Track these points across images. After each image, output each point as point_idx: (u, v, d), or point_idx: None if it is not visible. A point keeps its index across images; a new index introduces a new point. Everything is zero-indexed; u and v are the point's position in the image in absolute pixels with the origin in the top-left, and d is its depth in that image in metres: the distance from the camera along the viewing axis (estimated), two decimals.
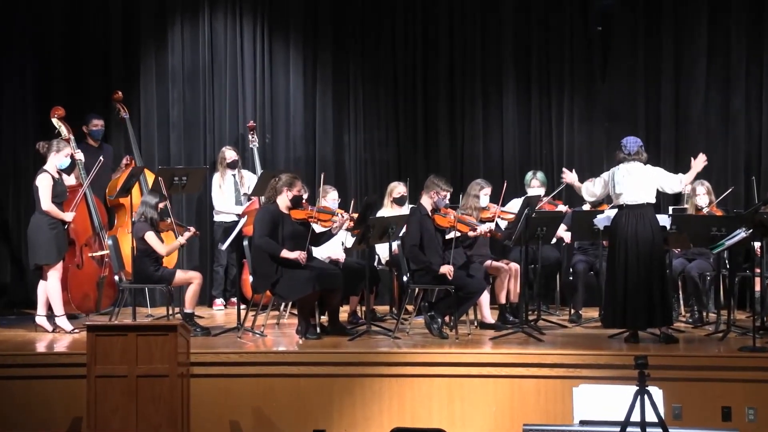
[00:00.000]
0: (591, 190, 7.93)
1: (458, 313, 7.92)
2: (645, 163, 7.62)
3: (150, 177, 9.29)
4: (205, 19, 10.35)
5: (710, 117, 10.18)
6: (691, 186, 8.58)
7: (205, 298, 10.06)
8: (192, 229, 8.49)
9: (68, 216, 8.14)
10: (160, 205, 8.16)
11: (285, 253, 7.70)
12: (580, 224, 8.56)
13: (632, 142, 7.61)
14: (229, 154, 9.83)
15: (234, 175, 9.82)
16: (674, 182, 7.68)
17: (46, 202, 7.98)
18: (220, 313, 9.57)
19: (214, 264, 9.98)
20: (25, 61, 10.00)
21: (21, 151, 9.91)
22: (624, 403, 5.62)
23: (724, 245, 7.40)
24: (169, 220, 8.35)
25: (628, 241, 7.47)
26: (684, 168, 8.00)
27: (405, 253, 7.92)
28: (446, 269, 7.75)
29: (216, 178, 9.84)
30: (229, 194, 9.79)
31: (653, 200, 7.61)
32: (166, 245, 8.20)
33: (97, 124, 9.48)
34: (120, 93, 9.77)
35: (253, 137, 10.06)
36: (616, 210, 7.75)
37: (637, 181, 7.52)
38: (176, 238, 8.34)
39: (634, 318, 7.47)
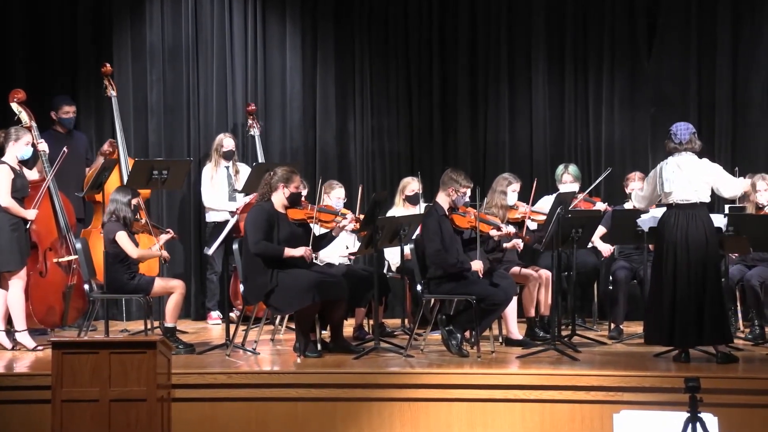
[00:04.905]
0: (640, 195, 7.90)
1: (480, 327, 7.94)
2: (699, 154, 7.58)
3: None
4: None
5: None
6: (751, 181, 8.58)
7: (190, 310, 10.12)
8: (170, 231, 8.53)
9: (30, 213, 8.18)
10: (134, 202, 8.18)
11: (288, 252, 7.72)
12: (621, 225, 8.55)
13: (683, 130, 7.58)
14: (228, 142, 9.81)
15: (228, 168, 9.83)
16: (735, 185, 7.63)
17: (5, 198, 8.02)
18: (216, 328, 9.53)
19: (207, 272, 9.99)
20: None
21: None
22: None
23: None
24: (143, 221, 8.38)
25: (677, 246, 7.45)
26: (742, 160, 7.99)
27: (428, 259, 7.92)
28: (478, 265, 7.81)
29: (207, 169, 9.83)
30: (221, 189, 9.78)
31: (707, 199, 7.57)
32: (140, 248, 8.21)
33: (68, 111, 9.52)
34: (109, 66, 9.74)
35: (252, 122, 10.07)
36: (663, 209, 7.75)
37: (688, 177, 7.48)
38: (153, 240, 8.38)
39: (683, 335, 7.45)
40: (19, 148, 8.20)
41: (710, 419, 5.95)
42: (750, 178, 8.62)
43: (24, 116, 8.89)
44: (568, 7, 10.45)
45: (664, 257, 7.52)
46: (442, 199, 8.08)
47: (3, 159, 8.15)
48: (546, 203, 8.74)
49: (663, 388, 6.89)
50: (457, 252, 7.95)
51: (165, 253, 8.34)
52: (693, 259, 7.42)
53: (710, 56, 10.27)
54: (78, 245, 8.49)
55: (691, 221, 7.45)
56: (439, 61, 10.55)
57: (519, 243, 8.33)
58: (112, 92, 9.69)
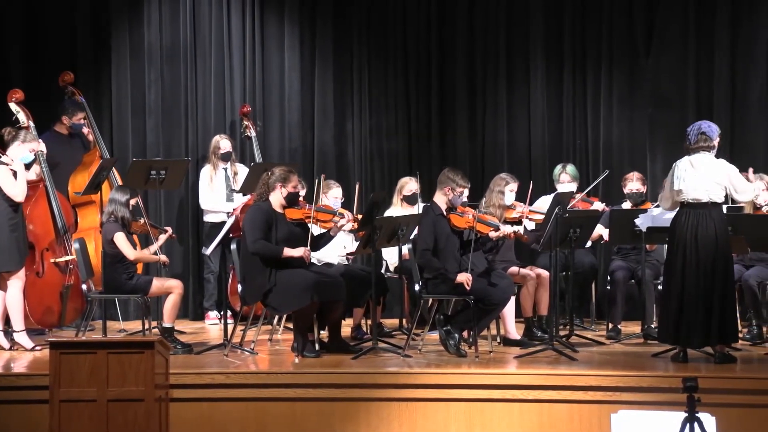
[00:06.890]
0: (661, 196, 7.87)
1: (478, 327, 7.93)
2: (716, 154, 7.54)
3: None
4: None
5: None
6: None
7: (188, 310, 10.13)
8: (168, 230, 8.53)
9: (43, 146, 8.33)
10: (132, 202, 8.19)
11: (288, 252, 7.73)
12: (619, 225, 8.54)
13: (691, 130, 7.55)
14: (224, 143, 9.83)
15: (226, 169, 9.83)
16: (747, 189, 7.56)
17: (7, 193, 8.01)
18: (214, 328, 9.54)
19: (204, 272, 10.01)
20: None
21: None
22: None
23: None
24: (142, 221, 8.39)
25: (687, 245, 7.40)
26: (740, 159, 7.98)
27: (416, 258, 7.95)
28: (463, 278, 7.77)
29: (206, 171, 9.85)
30: (220, 191, 9.79)
31: (720, 199, 7.48)
32: (138, 251, 8.22)
33: (81, 117, 9.53)
34: (71, 74, 9.67)
35: (248, 123, 10.07)
36: (660, 209, 7.74)
37: (701, 176, 7.41)
38: (152, 240, 8.39)
39: (688, 335, 7.42)
40: (23, 150, 8.20)
41: (708, 419, 5.95)
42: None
43: (22, 116, 8.90)
44: (566, 7, 10.44)
45: (674, 257, 7.48)
46: (439, 199, 8.08)
47: (1, 159, 8.15)
48: (544, 203, 8.74)
49: (661, 388, 6.90)
50: (452, 255, 7.94)
51: (164, 258, 8.35)
52: (702, 258, 7.37)
53: (708, 55, 10.26)
54: (76, 245, 8.50)
55: (702, 221, 7.40)
56: (437, 61, 10.54)
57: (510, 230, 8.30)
58: (81, 98, 9.65)
